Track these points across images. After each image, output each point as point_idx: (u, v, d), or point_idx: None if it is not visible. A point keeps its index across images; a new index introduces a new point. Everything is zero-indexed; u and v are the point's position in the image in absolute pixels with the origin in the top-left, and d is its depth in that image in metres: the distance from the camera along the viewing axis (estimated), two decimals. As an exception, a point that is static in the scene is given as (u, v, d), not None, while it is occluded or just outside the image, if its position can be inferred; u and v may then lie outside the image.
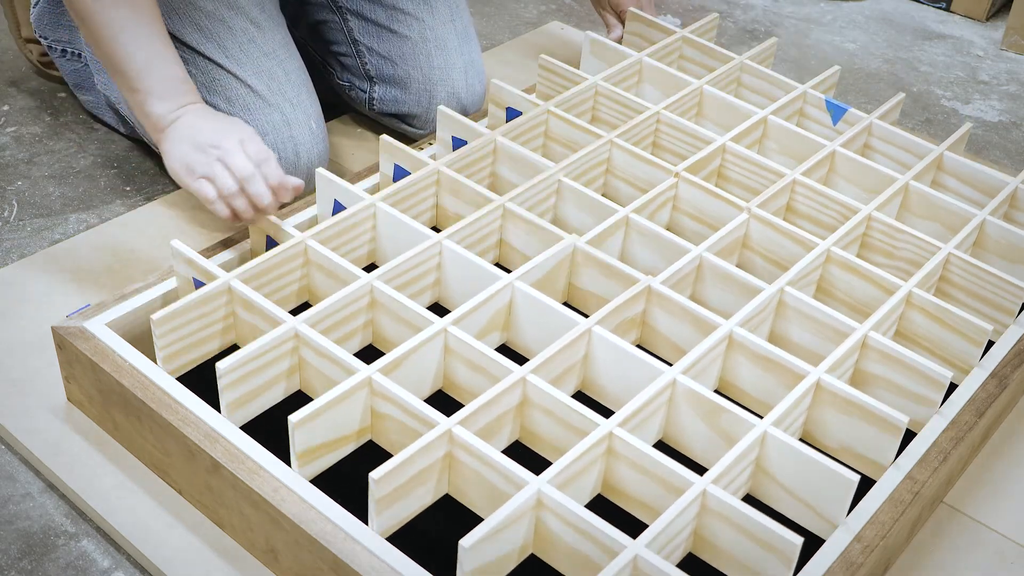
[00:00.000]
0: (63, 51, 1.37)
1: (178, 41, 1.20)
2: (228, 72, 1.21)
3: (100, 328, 0.97)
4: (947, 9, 1.99)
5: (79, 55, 1.36)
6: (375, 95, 1.38)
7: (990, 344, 1.06)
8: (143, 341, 0.99)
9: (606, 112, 1.28)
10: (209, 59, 1.20)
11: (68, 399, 1.00)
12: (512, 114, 1.26)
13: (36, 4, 1.37)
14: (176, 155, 1.06)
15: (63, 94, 1.46)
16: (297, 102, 1.24)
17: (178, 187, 1.30)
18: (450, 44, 1.35)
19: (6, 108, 1.44)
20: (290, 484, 0.84)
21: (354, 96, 1.40)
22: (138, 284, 1.02)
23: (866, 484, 0.90)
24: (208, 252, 1.06)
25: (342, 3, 1.36)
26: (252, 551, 0.88)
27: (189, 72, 1.19)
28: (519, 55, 1.66)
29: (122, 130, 1.38)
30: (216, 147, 1.04)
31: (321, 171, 1.10)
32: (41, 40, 1.38)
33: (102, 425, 0.98)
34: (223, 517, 0.89)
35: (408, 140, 1.40)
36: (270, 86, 1.22)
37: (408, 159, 1.15)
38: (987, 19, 1.96)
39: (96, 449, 0.96)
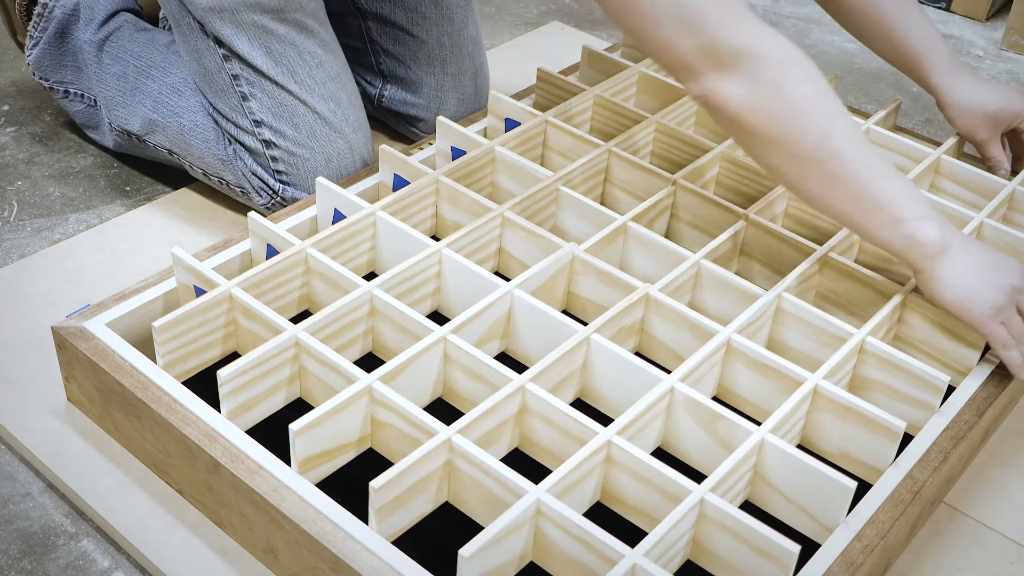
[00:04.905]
0: (66, 92, 1.34)
1: (247, 65, 1.18)
2: (297, 99, 1.19)
3: (100, 328, 0.97)
4: (947, 9, 1.99)
5: (82, 95, 1.33)
6: (385, 93, 1.38)
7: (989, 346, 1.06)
8: (143, 341, 0.99)
9: (604, 122, 1.28)
10: (278, 84, 1.18)
11: (68, 399, 1.00)
12: (511, 124, 1.26)
13: (34, 46, 1.33)
14: (969, 289, 0.98)
15: (63, 91, 1.46)
16: (358, 126, 1.23)
17: (178, 187, 1.30)
18: (465, 50, 1.35)
19: (6, 108, 1.44)
20: (290, 484, 0.84)
21: (364, 91, 1.40)
22: (138, 284, 1.02)
23: (864, 489, 0.90)
24: (208, 252, 1.06)
25: (362, 5, 1.36)
26: (252, 551, 0.88)
27: (254, 96, 1.18)
28: (519, 55, 1.66)
29: (161, 157, 1.30)
30: (1015, 288, 0.99)
31: (321, 180, 1.11)
32: (43, 83, 1.34)
33: (102, 425, 0.98)
34: (223, 517, 0.89)
35: (408, 140, 1.41)
36: (335, 112, 1.21)
37: (407, 169, 1.15)
38: (987, 19, 1.96)
39: (96, 449, 0.96)
